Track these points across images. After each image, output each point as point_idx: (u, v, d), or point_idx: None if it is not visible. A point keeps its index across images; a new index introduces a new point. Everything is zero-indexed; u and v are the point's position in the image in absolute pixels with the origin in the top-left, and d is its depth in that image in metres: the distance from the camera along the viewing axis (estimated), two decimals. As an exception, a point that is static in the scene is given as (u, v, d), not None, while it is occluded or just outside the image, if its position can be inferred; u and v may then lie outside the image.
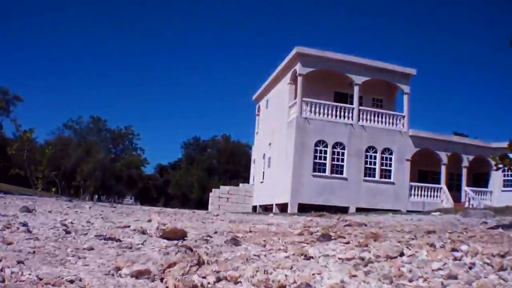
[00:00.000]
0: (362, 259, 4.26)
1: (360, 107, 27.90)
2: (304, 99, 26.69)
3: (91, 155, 48.45)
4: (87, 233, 6.14)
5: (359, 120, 27.47)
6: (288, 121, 28.03)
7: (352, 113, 27.47)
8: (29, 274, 3.51)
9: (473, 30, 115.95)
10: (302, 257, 4.56)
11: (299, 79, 27.00)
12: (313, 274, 3.83)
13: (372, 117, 27.94)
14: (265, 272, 3.88)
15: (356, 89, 27.80)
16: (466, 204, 28.90)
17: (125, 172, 56.38)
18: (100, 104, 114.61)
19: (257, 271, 3.85)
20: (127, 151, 59.09)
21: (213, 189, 35.04)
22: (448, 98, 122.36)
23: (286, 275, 3.79)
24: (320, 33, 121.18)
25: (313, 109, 26.87)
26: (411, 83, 29.51)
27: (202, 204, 46.46)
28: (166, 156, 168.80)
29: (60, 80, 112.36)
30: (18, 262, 3.83)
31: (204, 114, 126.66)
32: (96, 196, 55.30)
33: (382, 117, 28.23)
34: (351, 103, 28.35)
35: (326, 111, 27.08)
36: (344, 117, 27.37)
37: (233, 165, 56.26)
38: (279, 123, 30.12)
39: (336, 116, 27.20)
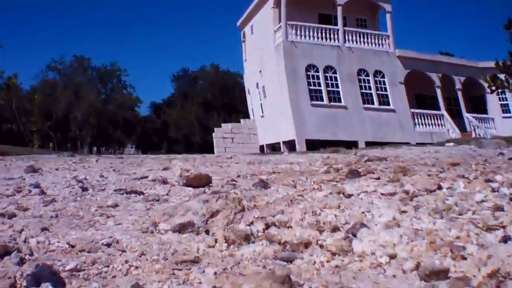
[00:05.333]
0: (407, 192, 4.09)
1: (345, 28, 27.46)
2: (289, 22, 26.16)
3: (81, 99, 46.45)
4: (104, 189, 5.76)
5: (345, 42, 27.07)
6: (275, 46, 27.51)
7: (338, 34, 27.04)
8: (58, 242, 3.24)
9: None
10: (341, 195, 4.38)
11: (282, 2, 26.29)
12: (363, 213, 3.67)
13: (358, 38, 27.48)
14: (314, 214, 3.70)
15: (339, 9, 27.20)
16: (473, 134, 28.27)
17: (119, 115, 53.69)
18: (81, 43, 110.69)
19: (305, 213, 3.67)
20: (117, 90, 56.39)
21: (215, 129, 33.30)
22: (430, 16, 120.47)
23: (335, 215, 3.62)
24: None
25: (298, 32, 26.36)
26: (393, 1, 28.91)
27: (206, 146, 44.18)
28: (157, 92, 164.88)
29: (36, 20, 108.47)
30: (42, 230, 3.53)
31: (190, 44, 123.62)
32: (95, 148, 52.79)
33: (367, 37, 27.76)
34: (335, 24, 27.80)
35: (311, 33, 26.57)
36: (330, 39, 26.95)
37: (228, 97, 54.37)
38: (266, 49, 29.44)
39: (322, 38, 26.75)
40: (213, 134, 32.53)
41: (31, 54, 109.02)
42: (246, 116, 37.54)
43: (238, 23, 36.83)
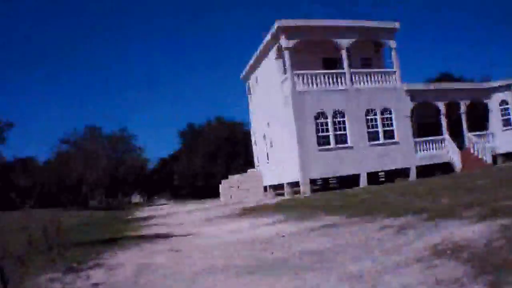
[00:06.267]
0: None
1: (352, 70, 27.18)
2: (295, 72, 25.96)
3: (93, 166, 49.65)
4: None
5: (352, 84, 26.80)
6: (283, 98, 27.41)
7: (345, 78, 26.78)
8: None
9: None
10: None
11: (286, 52, 26.20)
12: None
13: (365, 78, 27.28)
14: None
15: (344, 52, 26.98)
16: (472, 150, 29.33)
17: (129, 175, 58.80)
18: (92, 111, 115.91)
19: None
20: (127, 153, 59.73)
21: (222, 181, 35.01)
22: (429, 44, 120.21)
23: None
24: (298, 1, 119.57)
25: (305, 80, 26.18)
26: (396, 37, 28.71)
27: (209, 189, 47.71)
28: (165, 148, 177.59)
29: (45, 99, 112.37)
30: None
31: (195, 100, 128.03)
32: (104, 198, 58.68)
33: (374, 76, 27.57)
34: (341, 67, 27.59)
35: (319, 80, 26.42)
36: (338, 83, 26.69)
37: (232, 146, 56.70)
38: (273, 102, 29.58)
39: (330, 84, 26.54)
40: (220, 186, 34.54)
41: (46, 130, 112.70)
42: (249, 163, 39.89)
43: (241, 76, 37.56)
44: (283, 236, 9.75)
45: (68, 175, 47.78)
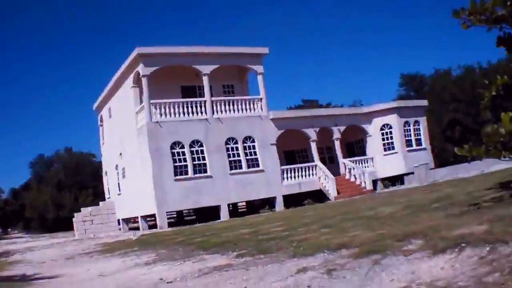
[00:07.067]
0: None
1: (213, 98, 26.10)
2: (152, 101, 24.36)
3: None
4: None
5: (214, 113, 25.69)
6: (138, 128, 25.72)
7: (205, 106, 25.61)
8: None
9: None
10: None
11: (144, 80, 24.54)
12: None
13: (228, 107, 26.28)
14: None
15: (205, 79, 25.87)
16: (347, 176, 28.72)
17: None
18: None
19: None
20: None
21: (75, 214, 32.94)
22: (298, 71, 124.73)
23: None
24: (164, 29, 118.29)
25: (163, 110, 24.67)
26: (265, 63, 28.32)
27: (59, 222, 49.34)
28: (17, 179, 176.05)
29: None
30: None
31: (45, 130, 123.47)
32: None
33: (238, 104, 26.67)
34: (200, 95, 26.70)
35: (177, 110, 25.02)
36: (197, 112, 25.46)
37: (80, 176, 59.39)
38: (127, 131, 27.79)
39: (188, 113, 25.25)
40: (73, 219, 32.64)
41: None
42: (97, 192, 42.03)
43: (94, 106, 35.93)
44: (170, 282, 7.99)
45: None
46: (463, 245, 5.65)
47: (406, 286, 4.80)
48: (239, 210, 29.73)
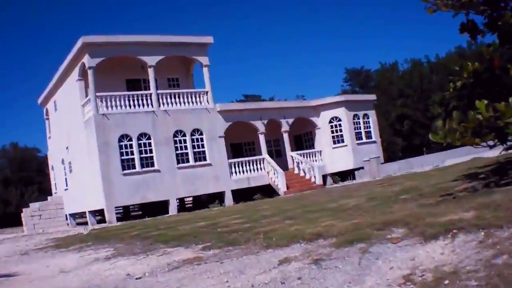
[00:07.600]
0: None
1: (159, 91, 25.83)
2: (98, 94, 23.90)
3: None
4: None
5: (160, 105, 25.41)
6: (84, 121, 25.21)
7: (151, 99, 25.30)
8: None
9: None
10: None
11: (90, 72, 24.05)
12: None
13: (174, 100, 25.97)
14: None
15: (150, 71, 25.51)
16: (296, 171, 28.65)
17: None
18: None
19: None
20: None
21: (23, 209, 32.32)
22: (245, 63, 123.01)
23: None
24: (111, 18, 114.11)
25: (109, 103, 24.25)
26: (210, 54, 27.84)
27: (6, 219, 47.36)
28: None
29: None
30: None
31: None
32: None
33: (184, 97, 26.36)
34: (145, 88, 26.46)
35: (123, 102, 24.63)
36: (144, 105, 25.13)
37: (26, 171, 57.92)
38: (74, 125, 27.20)
39: (135, 106, 24.92)
40: (22, 214, 32.09)
41: None
42: (43, 187, 41.65)
43: (40, 101, 35.18)
44: (139, 278, 7.61)
45: None
46: (454, 231, 5.61)
47: (410, 273, 4.68)
48: (186, 206, 29.30)
